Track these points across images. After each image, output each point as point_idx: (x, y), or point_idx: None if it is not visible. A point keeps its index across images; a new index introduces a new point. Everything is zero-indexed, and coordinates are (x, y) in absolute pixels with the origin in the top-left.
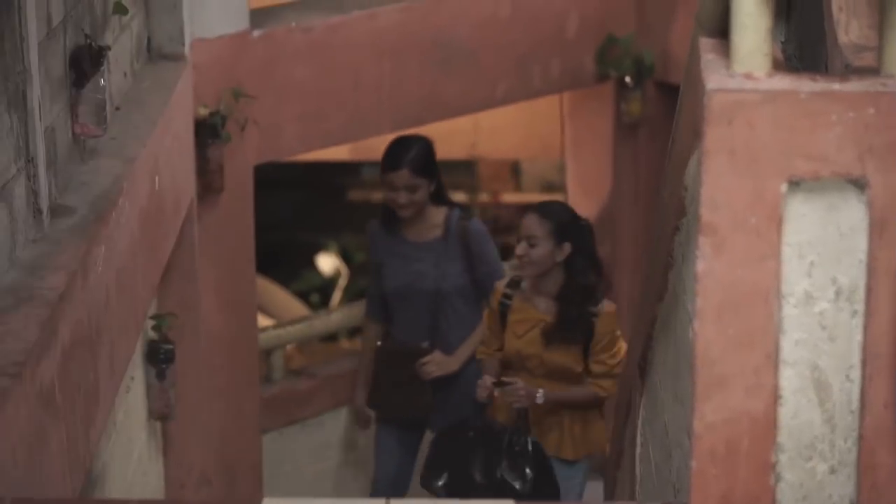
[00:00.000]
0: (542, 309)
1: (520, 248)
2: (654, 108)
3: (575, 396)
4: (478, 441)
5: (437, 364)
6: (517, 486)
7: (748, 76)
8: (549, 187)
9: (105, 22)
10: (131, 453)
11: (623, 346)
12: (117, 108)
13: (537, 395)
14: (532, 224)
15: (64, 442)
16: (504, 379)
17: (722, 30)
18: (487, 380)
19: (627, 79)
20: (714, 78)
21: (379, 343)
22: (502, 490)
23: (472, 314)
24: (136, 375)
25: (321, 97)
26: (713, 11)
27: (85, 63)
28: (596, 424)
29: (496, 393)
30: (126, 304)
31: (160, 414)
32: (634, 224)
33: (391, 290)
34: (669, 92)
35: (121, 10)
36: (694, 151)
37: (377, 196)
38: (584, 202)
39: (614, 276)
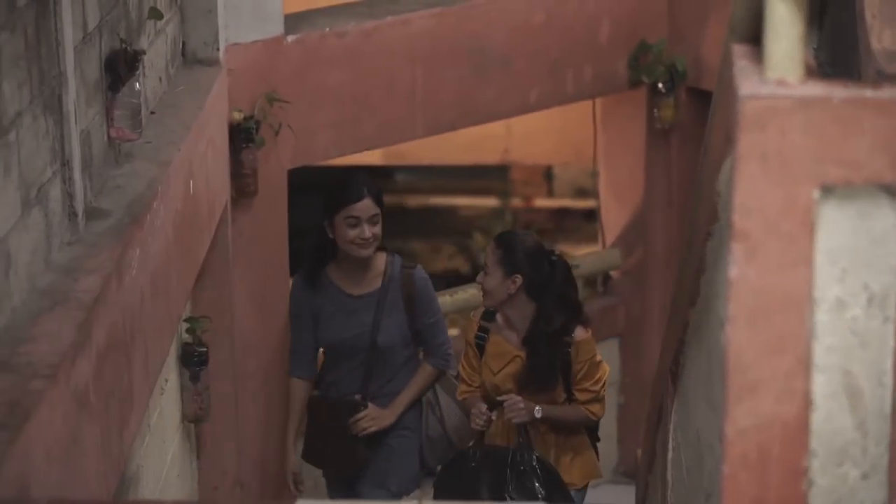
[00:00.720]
0: (515, 343)
1: (478, 276)
2: (687, 114)
3: (569, 415)
4: (480, 468)
5: (371, 419)
6: (536, 499)
7: (781, 83)
8: (581, 193)
9: (140, 26)
10: (165, 455)
11: (605, 368)
12: (152, 113)
13: (535, 409)
14: (488, 251)
15: (98, 443)
16: (499, 398)
17: (755, 36)
18: (481, 406)
19: (660, 85)
20: (747, 84)
21: (311, 395)
22: None
23: (408, 365)
24: (170, 378)
25: (355, 102)
26: (746, 18)
27: (120, 67)
28: (587, 452)
29: (493, 417)
30: (160, 306)
31: (194, 416)
32: (666, 229)
33: (326, 344)
34: (702, 98)
35: (156, 14)
36: (727, 157)
37: (411, 201)
38: (617, 208)
39: (645, 282)
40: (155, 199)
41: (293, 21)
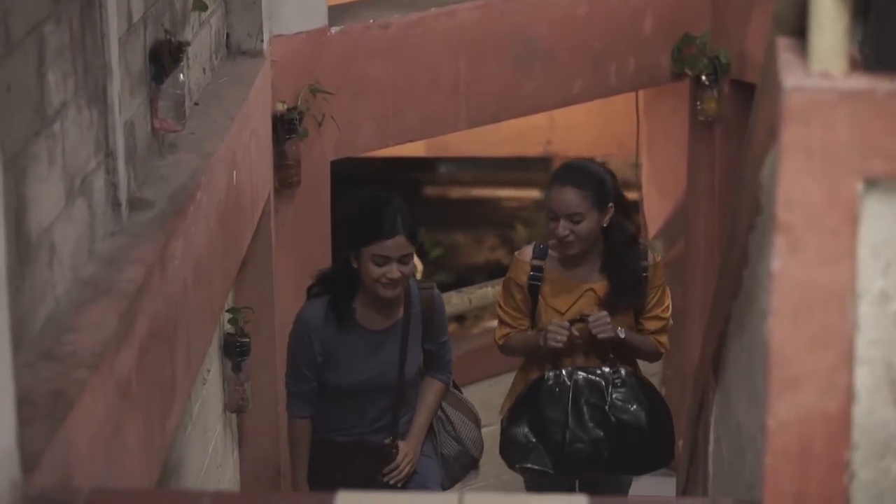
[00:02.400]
0: (584, 276)
1: (562, 229)
2: (730, 107)
3: (643, 345)
4: (563, 391)
5: (409, 461)
6: (639, 423)
7: (825, 76)
8: (623, 185)
9: (185, 18)
10: (207, 445)
11: (669, 293)
12: (196, 104)
13: (619, 330)
14: (571, 200)
15: (141, 433)
16: (584, 313)
17: (799, 29)
18: (557, 321)
19: (703, 77)
20: (791, 77)
21: (322, 439)
22: (625, 434)
23: (417, 391)
24: (213, 368)
25: (398, 94)
26: (791, 11)
27: (164, 58)
28: None
29: (576, 331)
30: (203, 297)
31: (236, 407)
32: (709, 222)
33: (339, 387)
34: (745, 91)
35: (200, 6)
36: (770, 150)
37: (454, 192)
38: (659, 200)
39: (687, 275)
40: (198, 190)
41: (337, 12)
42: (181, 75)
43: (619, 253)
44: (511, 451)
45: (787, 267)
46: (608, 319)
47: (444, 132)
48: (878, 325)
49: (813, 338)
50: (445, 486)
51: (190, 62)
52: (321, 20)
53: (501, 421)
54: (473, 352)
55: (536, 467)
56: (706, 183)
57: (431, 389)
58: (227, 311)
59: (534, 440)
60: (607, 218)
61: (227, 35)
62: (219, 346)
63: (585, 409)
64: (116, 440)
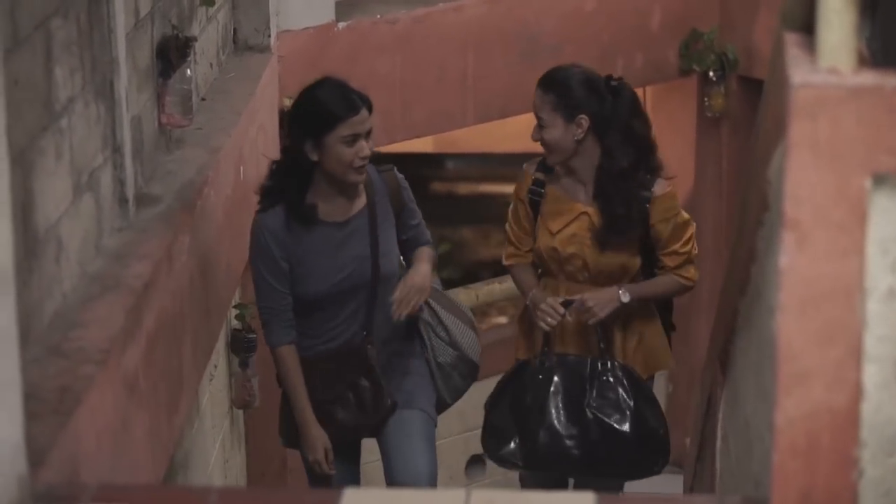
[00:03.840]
0: (582, 198)
1: (533, 132)
2: (738, 103)
3: (660, 288)
4: (549, 379)
5: (416, 289)
6: (620, 424)
7: (833, 71)
8: None
9: (192, 13)
10: (214, 441)
11: (692, 225)
12: (203, 99)
13: (620, 294)
14: (536, 100)
15: (148, 429)
16: (569, 298)
17: (807, 25)
18: (553, 301)
19: (711, 73)
20: (799, 73)
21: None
22: (602, 435)
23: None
24: (220, 364)
25: (405, 89)
26: (798, 6)
27: (172, 54)
28: (656, 338)
29: (568, 315)
30: (210, 292)
31: (242, 403)
32: (717, 218)
33: (313, 296)
34: (753, 87)
35: (207, 1)
36: (778, 146)
37: (461, 188)
38: None
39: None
40: (205, 186)
41: (344, 7)
42: (188, 70)
43: (605, 181)
44: (489, 440)
45: (794, 263)
46: (591, 304)
47: (451, 128)
48: (886, 322)
49: (821, 333)
50: (447, 402)
51: (197, 57)
52: (328, 15)
53: (486, 403)
54: (482, 349)
55: (508, 463)
56: (714, 179)
57: (421, 251)
58: (234, 306)
59: (512, 427)
60: (580, 131)
61: (235, 30)
62: (226, 342)
63: (565, 404)
64: (124, 436)
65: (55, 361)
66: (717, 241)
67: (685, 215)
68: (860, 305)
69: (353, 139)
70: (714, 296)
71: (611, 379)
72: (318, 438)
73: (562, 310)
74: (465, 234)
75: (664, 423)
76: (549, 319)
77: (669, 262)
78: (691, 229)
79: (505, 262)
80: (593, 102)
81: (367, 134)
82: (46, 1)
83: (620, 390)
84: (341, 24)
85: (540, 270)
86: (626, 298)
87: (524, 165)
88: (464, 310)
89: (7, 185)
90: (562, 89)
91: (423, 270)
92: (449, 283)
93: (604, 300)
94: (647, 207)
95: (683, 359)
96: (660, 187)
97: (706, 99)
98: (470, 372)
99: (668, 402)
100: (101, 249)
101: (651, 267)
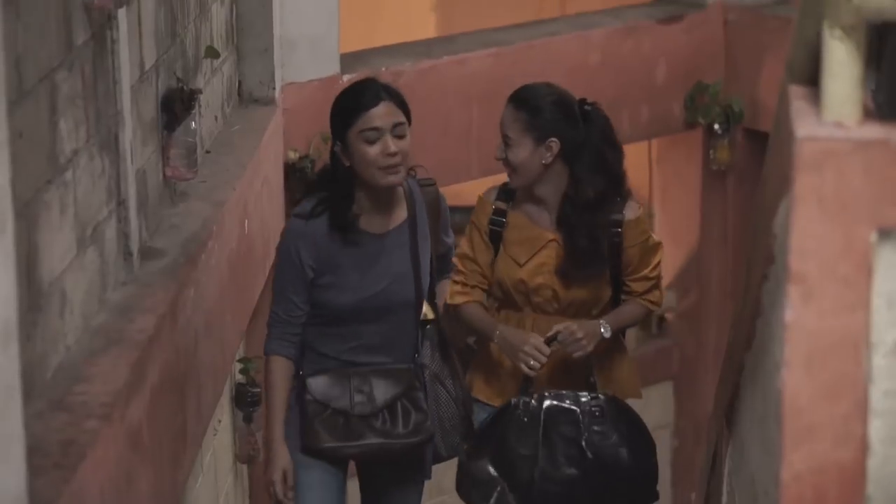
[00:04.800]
0: (548, 225)
1: (498, 151)
2: (743, 156)
3: (632, 316)
4: (535, 422)
5: (580, 334)
6: (618, 457)
7: (838, 124)
8: None
9: (197, 65)
10: (218, 496)
11: (661, 248)
12: (208, 152)
13: (601, 329)
14: (506, 118)
15: (152, 484)
16: (551, 334)
17: (812, 77)
18: (537, 342)
19: (716, 126)
20: (804, 126)
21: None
22: (601, 469)
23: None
24: (224, 418)
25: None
26: (803, 59)
27: (176, 106)
28: (624, 366)
29: (551, 349)
30: (214, 346)
31: (247, 457)
32: (723, 271)
33: (345, 307)
34: (758, 139)
35: (212, 53)
36: (783, 199)
37: None
38: (672, 249)
39: (700, 324)
40: (210, 239)
41: (349, 60)
42: (193, 123)
43: (569, 211)
44: (471, 490)
45: (800, 317)
46: (580, 335)
47: (456, 181)
48: (892, 376)
49: (827, 388)
50: (443, 455)
51: (202, 110)
52: (333, 68)
53: (464, 451)
54: None
55: None
56: (719, 232)
57: (444, 286)
58: (239, 360)
59: (497, 476)
60: (549, 155)
61: (240, 83)
62: (230, 396)
63: (559, 444)
64: (127, 491)
65: (59, 415)
66: (722, 294)
67: (655, 238)
68: (866, 360)
69: (376, 135)
70: (719, 350)
71: (599, 411)
72: (281, 458)
73: (548, 350)
74: None
75: (654, 449)
76: (533, 362)
77: (638, 287)
78: (660, 252)
79: (450, 301)
80: (565, 126)
81: (395, 130)
82: (51, 53)
83: (611, 422)
84: (346, 77)
85: (496, 304)
86: (607, 334)
87: (481, 194)
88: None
89: (11, 238)
90: (534, 109)
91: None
92: None
93: (590, 332)
94: (618, 231)
95: (689, 413)
96: (631, 210)
97: (711, 151)
98: (470, 432)
99: (673, 456)
100: (105, 303)
101: (618, 293)
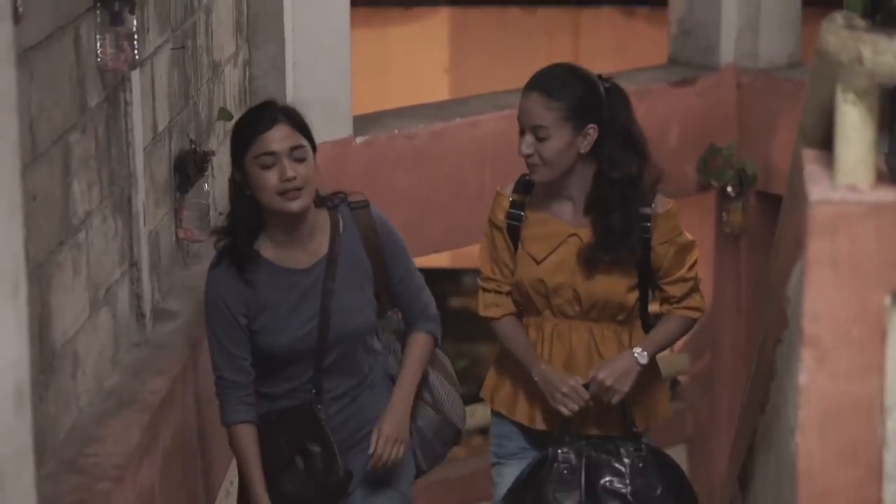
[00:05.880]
0: (570, 219)
1: (525, 146)
2: (756, 219)
3: (672, 334)
4: (575, 472)
5: (390, 440)
6: (666, 502)
7: (852, 188)
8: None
9: (210, 127)
10: None
11: (696, 248)
12: (220, 213)
13: (637, 356)
14: (536, 108)
15: None
16: (592, 374)
17: (825, 141)
18: (575, 385)
19: (729, 188)
20: (817, 189)
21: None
22: None
23: (371, 353)
24: (235, 480)
25: (423, 204)
26: (816, 122)
27: (189, 168)
28: (657, 385)
29: (590, 398)
30: None
31: None
32: (736, 335)
33: (278, 349)
34: (771, 202)
35: (225, 115)
36: (796, 262)
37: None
38: None
39: (714, 388)
40: None
41: (362, 122)
42: (206, 185)
43: (608, 192)
44: None
45: (814, 380)
46: (610, 381)
47: (468, 243)
48: None
49: (841, 452)
50: (423, 469)
51: (215, 172)
52: (346, 130)
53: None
54: None
55: None
56: (733, 295)
57: (415, 345)
58: None
59: None
60: (587, 143)
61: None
62: None
63: (603, 496)
64: None
65: (71, 477)
66: (736, 357)
67: (689, 236)
68: (880, 424)
69: (272, 160)
70: (733, 413)
71: (642, 462)
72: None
73: (586, 395)
74: (482, 349)
75: (696, 497)
76: (571, 405)
77: (675, 291)
78: (696, 252)
79: (484, 314)
80: (599, 109)
81: (293, 152)
82: (65, 115)
83: (656, 473)
84: (359, 139)
85: (519, 309)
86: (644, 360)
87: (498, 188)
88: (448, 367)
89: (24, 300)
90: (570, 96)
91: (394, 416)
92: (466, 399)
93: (622, 371)
94: (647, 226)
95: (702, 476)
96: (661, 204)
97: (724, 214)
98: (452, 438)
99: None
100: (117, 364)
101: (646, 299)
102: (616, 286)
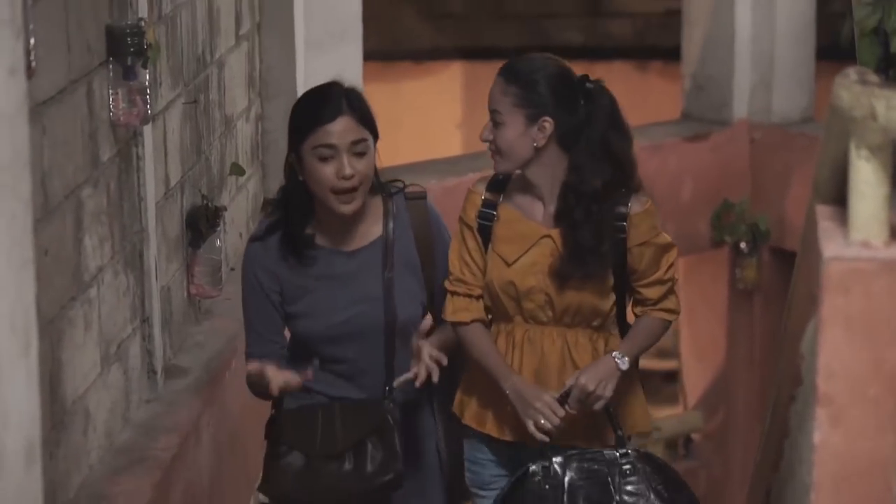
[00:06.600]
0: (541, 219)
1: (484, 131)
2: (770, 275)
3: (650, 335)
4: (558, 490)
5: (433, 357)
6: None
7: (865, 244)
8: (662, 353)
9: (222, 183)
10: None
11: (675, 248)
12: (232, 269)
13: (618, 362)
14: (495, 92)
15: None
16: (567, 386)
17: (839, 196)
18: (549, 400)
19: (742, 244)
20: (831, 246)
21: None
22: None
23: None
24: None
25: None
26: (829, 178)
27: (201, 223)
28: (634, 395)
29: (568, 409)
30: (237, 465)
31: None
32: (749, 392)
33: (316, 335)
34: (785, 258)
35: (237, 170)
36: (810, 319)
37: None
38: (699, 369)
39: (727, 445)
40: (233, 357)
41: None
42: (218, 240)
43: (572, 202)
44: None
45: (828, 439)
46: (591, 387)
47: None
48: None
49: None
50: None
51: (227, 227)
52: None
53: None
54: None
55: None
56: (746, 352)
57: (447, 330)
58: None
59: None
60: (542, 136)
61: (265, 199)
62: None
63: None
64: None
65: None
66: (749, 415)
67: (666, 236)
68: (895, 483)
69: (331, 154)
70: (747, 471)
71: (631, 469)
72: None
73: (562, 412)
74: None
75: (692, 494)
76: (544, 423)
77: (651, 293)
78: (675, 252)
79: (452, 318)
80: (563, 104)
81: (354, 146)
82: (77, 170)
83: (646, 480)
84: None
85: (489, 315)
86: (625, 365)
87: (470, 186)
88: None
89: (36, 356)
90: (527, 83)
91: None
92: None
93: (604, 375)
94: (623, 226)
95: None
96: (638, 203)
97: (738, 270)
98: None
99: None
100: (128, 421)
101: (623, 302)
102: (591, 290)
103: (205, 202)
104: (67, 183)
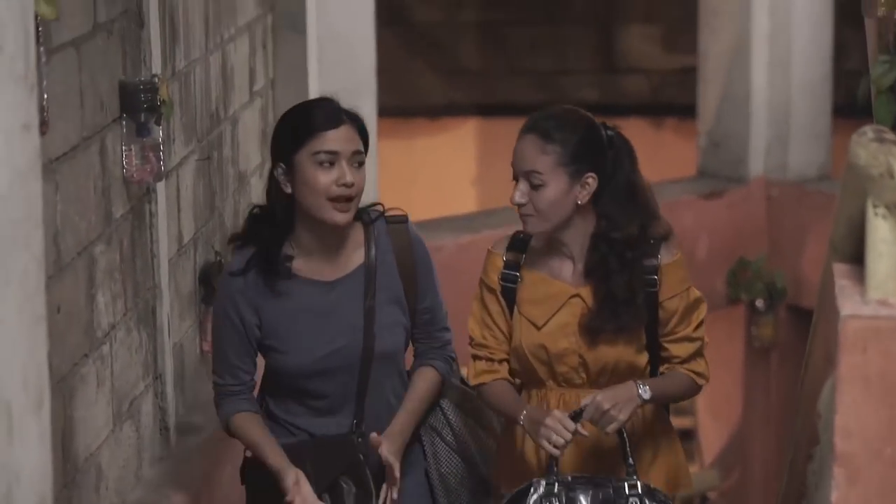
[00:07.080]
0: (570, 278)
1: (518, 194)
2: (786, 333)
3: (674, 387)
4: None
5: (392, 452)
6: None
7: (883, 303)
8: (678, 411)
9: None
10: None
11: (704, 305)
12: None
13: (639, 390)
14: (531, 151)
15: None
16: (583, 404)
17: (855, 254)
18: (560, 416)
19: (759, 302)
20: (848, 304)
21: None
22: None
23: (399, 377)
24: None
25: (451, 316)
26: (846, 236)
27: (214, 280)
28: (674, 450)
29: (580, 430)
30: None
31: None
32: (766, 450)
33: (299, 371)
34: (802, 316)
35: None
36: (828, 378)
37: None
38: (715, 427)
39: (745, 498)
40: None
41: None
42: None
43: (606, 253)
44: None
45: (846, 498)
46: (607, 405)
47: None
48: None
49: None
50: None
51: None
52: None
53: None
54: None
55: None
56: (762, 410)
57: (423, 377)
58: None
59: None
60: (585, 193)
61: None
62: None
63: None
64: None
65: None
66: (766, 474)
67: (696, 291)
68: None
69: (332, 160)
70: None
71: (637, 501)
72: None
73: (572, 426)
74: None
75: None
76: (556, 438)
77: (679, 351)
78: (704, 309)
79: (475, 381)
80: (601, 157)
81: (354, 157)
82: (90, 226)
83: None
84: None
85: (518, 381)
86: (647, 395)
87: (490, 247)
88: (493, 421)
89: (48, 414)
90: (566, 140)
91: (395, 444)
92: None
93: (622, 398)
94: (654, 279)
95: None
96: (668, 253)
97: (754, 328)
98: (480, 489)
99: None
100: (140, 479)
101: (656, 359)
102: (624, 346)
103: (218, 258)
104: (80, 239)
